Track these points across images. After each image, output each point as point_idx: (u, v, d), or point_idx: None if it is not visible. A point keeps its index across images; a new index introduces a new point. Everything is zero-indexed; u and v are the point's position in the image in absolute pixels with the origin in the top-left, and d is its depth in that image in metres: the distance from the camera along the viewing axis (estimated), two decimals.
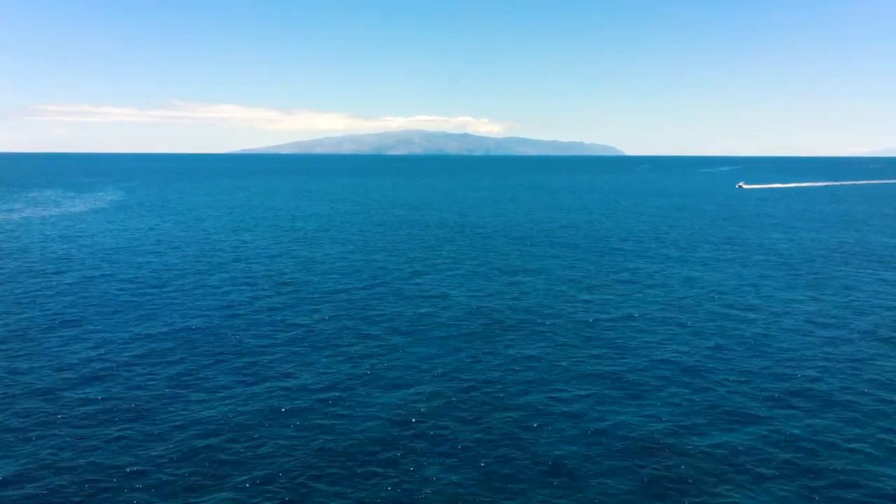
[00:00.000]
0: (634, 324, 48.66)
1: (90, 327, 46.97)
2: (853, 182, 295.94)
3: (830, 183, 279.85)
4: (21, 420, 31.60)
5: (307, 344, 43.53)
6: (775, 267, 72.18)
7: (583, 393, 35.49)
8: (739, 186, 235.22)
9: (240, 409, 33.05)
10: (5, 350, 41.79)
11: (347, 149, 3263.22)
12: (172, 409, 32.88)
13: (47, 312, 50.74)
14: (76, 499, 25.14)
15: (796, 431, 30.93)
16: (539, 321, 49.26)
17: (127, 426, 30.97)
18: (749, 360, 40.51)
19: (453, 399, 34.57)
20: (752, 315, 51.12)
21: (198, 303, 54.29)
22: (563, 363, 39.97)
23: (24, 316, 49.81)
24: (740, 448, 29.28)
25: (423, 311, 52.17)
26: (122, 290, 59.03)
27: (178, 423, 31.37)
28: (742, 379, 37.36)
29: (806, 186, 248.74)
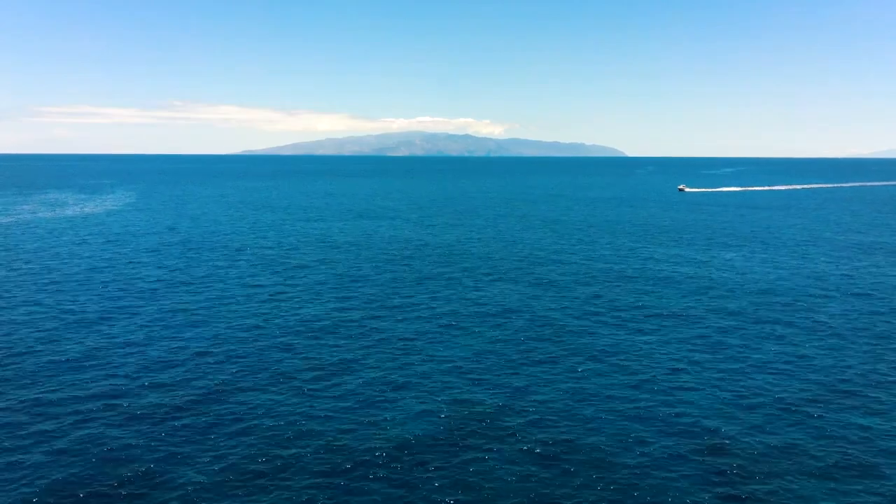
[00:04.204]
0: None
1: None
2: (823, 185, 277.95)
3: (801, 186, 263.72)
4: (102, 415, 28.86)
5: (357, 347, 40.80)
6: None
7: (632, 391, 34.97)
8: (680, 189, 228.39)
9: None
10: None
11: (349, 150, 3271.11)
12: (211, 408, 30.24)
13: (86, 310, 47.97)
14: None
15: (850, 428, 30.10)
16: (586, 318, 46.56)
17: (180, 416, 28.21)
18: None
19: (502, 402, 33.10)
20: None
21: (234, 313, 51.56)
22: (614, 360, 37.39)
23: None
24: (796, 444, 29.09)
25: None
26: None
27: (210, 424, 29.63)
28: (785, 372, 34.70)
29: (759, 190, 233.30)
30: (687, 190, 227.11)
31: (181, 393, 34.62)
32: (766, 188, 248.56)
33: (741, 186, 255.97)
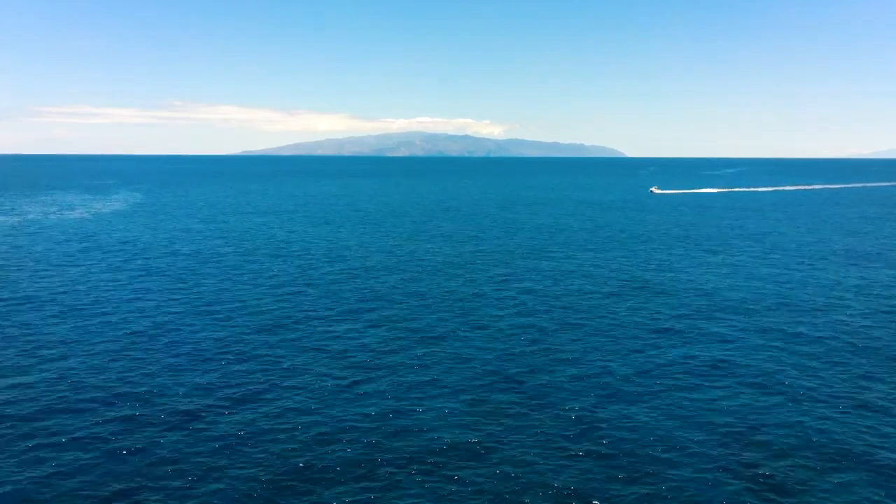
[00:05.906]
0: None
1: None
2: (818, 186, 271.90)
3: (794, 187, 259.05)
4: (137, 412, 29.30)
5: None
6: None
7: (658, 387, 36.19)
8: (652, 191, 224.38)
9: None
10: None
11: (349, 150, 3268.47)
12: (269, 400, 30.73)
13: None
14: None
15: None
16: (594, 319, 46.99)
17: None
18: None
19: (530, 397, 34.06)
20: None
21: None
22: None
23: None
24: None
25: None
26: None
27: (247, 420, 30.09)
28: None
29: (743, 191, 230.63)
30: (657, 192, 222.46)
31: (204, 414, 35.01)
32: (752, 189, 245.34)
33: (722, 188, 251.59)
